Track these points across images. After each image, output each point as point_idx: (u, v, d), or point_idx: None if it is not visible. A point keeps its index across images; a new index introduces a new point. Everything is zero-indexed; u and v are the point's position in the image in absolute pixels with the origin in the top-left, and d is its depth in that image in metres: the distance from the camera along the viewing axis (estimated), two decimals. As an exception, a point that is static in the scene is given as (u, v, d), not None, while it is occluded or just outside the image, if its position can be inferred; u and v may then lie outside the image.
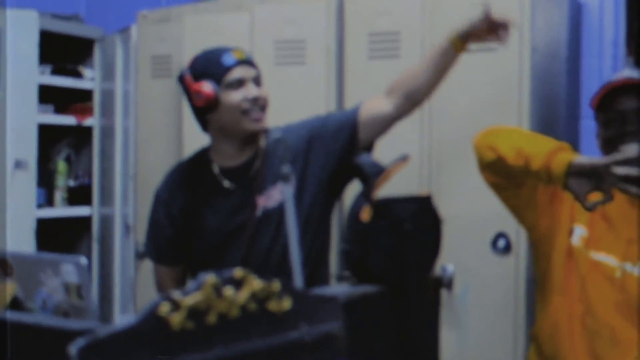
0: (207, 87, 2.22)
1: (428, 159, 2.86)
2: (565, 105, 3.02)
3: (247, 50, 2.37)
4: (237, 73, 2.25)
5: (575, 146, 2.89)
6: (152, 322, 1.05)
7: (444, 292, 2.77)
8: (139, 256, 3.67)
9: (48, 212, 4.08)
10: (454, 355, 2.67)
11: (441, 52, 2.26)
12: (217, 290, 1.14)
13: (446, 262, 2.75)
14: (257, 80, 2.29)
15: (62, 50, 4.15)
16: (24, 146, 3.61)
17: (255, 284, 1.19)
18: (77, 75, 4.15)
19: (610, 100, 2.00)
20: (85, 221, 4.21)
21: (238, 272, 1.19)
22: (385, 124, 2.31)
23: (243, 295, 1.17)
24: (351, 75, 3.00)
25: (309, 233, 2.28)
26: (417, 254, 1.59)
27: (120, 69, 3.94)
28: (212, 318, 1.12)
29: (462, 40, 2.23)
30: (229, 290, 1.15)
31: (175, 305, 1.08)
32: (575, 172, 1.77)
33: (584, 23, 3.16)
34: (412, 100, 2.29)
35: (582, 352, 2.03)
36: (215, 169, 2.35)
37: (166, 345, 1.06)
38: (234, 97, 2.23)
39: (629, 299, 1.99)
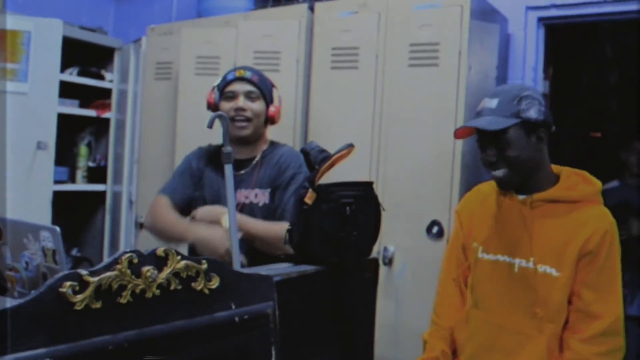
0: (211, 96, 2.20)
1: (377, 154, 2.62)
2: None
3: (249, 67, 2.25)
4: (232, 87, 2.16)
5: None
6: (51, 300, 0.71)
7: (385, 269, 2.51)
8: (139, 226, 3.41)
9: (70, 187, 3.82)
10: (391, 321, 2.51)
11: None
12: (135, 267, 0.80)
13: (388, 244, 2.55)
14: (249, 95, 2.15)
15: (89, 56, 3.88)
16: (46, 131, 3.29)
17: (179, 262, 0.85)
18: (100, 77, 3.86)
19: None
20: (101, 195, 3.94)
21: (160, 249, 0.85)
22: None
23: (164, 273, 0.83)
24: (317, 82, 2.78)
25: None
26: (356, 237, 1.26)
27: (132, 73, 3.70)
28: (125, 297, 0.78)
29: None
30: (147, 268, 0.81)
31: (82, 283, 0.74)
32: None
33: (511, 51, 2.95)
34: None
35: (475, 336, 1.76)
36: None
37: (68, 325, 0.72)
38: (225, 105, 2.16)
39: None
